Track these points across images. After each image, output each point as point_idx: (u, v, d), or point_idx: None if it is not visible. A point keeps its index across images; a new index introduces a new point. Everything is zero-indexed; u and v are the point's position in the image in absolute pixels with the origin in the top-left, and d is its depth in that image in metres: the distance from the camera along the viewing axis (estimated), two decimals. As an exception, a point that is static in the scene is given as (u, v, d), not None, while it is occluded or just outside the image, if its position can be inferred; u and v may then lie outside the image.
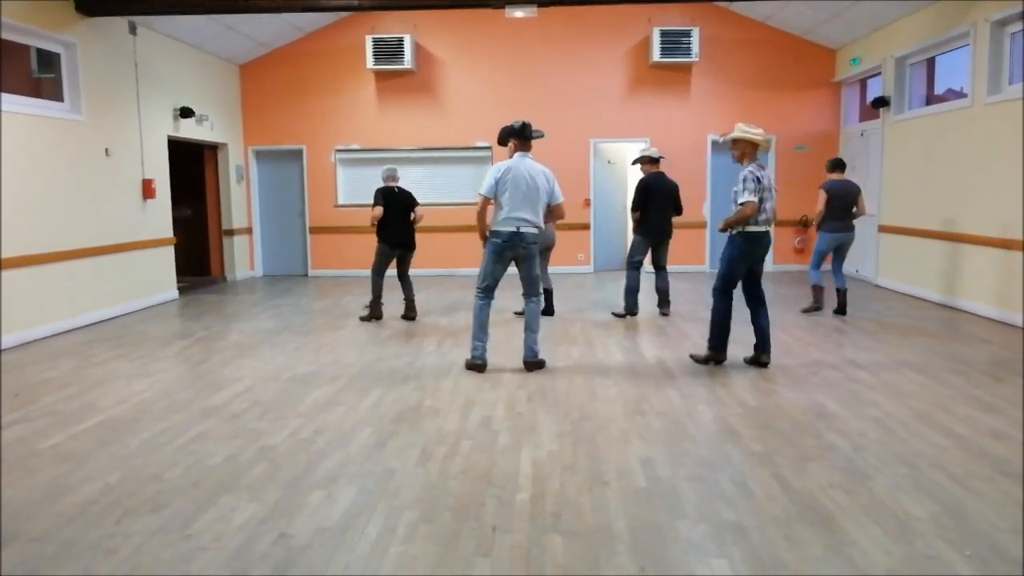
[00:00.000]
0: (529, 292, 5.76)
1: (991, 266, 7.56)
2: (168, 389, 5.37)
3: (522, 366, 5.80)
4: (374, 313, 7.89)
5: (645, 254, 7.87)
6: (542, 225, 5.64)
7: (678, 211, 7.85)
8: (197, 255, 11.84)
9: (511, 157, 5.66)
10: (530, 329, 5.72)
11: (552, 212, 5.73)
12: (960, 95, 8.67)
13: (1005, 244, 7.28)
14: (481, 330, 5.67)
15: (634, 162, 8.14)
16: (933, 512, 3.18)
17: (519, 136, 5.66)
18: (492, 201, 5.56)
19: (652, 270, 8.09)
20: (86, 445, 4.19)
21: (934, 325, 7.33)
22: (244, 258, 12.13)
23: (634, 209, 7.81)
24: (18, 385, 5.55)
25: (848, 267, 11.20)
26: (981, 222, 7.73)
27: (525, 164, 5.57)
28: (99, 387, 5.44)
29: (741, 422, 4.44)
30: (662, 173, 7.79)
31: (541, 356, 5.78)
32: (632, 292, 7.83)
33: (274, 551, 2.93)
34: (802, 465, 3.74)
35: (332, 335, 7.24)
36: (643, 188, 7.75)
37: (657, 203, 7.69)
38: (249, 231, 12.26)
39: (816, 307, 7.85)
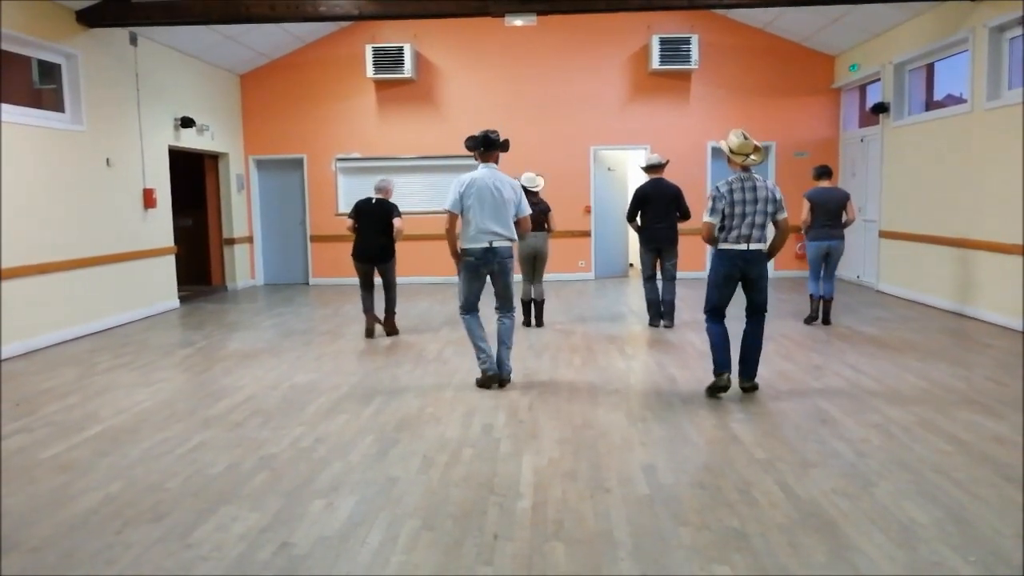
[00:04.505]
0: (504, 308, 5.54)
1: (992, 270, 7.55)
2: (169, 398, 5.36)
3: (522, 375, 5.79)
4: (366, 326, 7.55)
5: (653, 265, 7.71)
6: (515, 237, 5.40)
7: (684, 215, 7.56)
8: (198, 264, 11.85)
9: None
10: (504, 344, 5.51)
11: (518, 225, 5.42)
12: (959, 101, 8.69)
13: (1006, 249, 7.27)
14: (481, 341, 5.43)
15: (645, 169, 7.85)
16: (937, 518, 3.17)
17: (484, 146, 5.38)
18: (459, 217, 5.31)
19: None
20: (87, 455, 4.18)
21: (936, 330, 7.32)
22: (245, 267, 12.14)
23: (629, 219, 7.74)
24: (19, 395, 5.54)
25: (850, 273, 11.25)
26: (982, 227, 7.73)
27: (491, 175, 5.30)
28: (100, 396, 5.43)
29: (743, 428, 4.42)
30: (660, 179, 7.60)
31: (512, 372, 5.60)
32: (651, 304, 7.73)
33: (275, 560, 2.92)
34: (805, 471, 3.72)
35: (333, 344, 7.23)
36: (636, 196, 7.64)
37: (653, 210, 7.53)
38: (250, 240, 12.28)
39: (812, 317, 7.68)
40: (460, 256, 5.36)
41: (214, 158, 11.57)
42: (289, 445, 4.28)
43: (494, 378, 5.40)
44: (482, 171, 5.32)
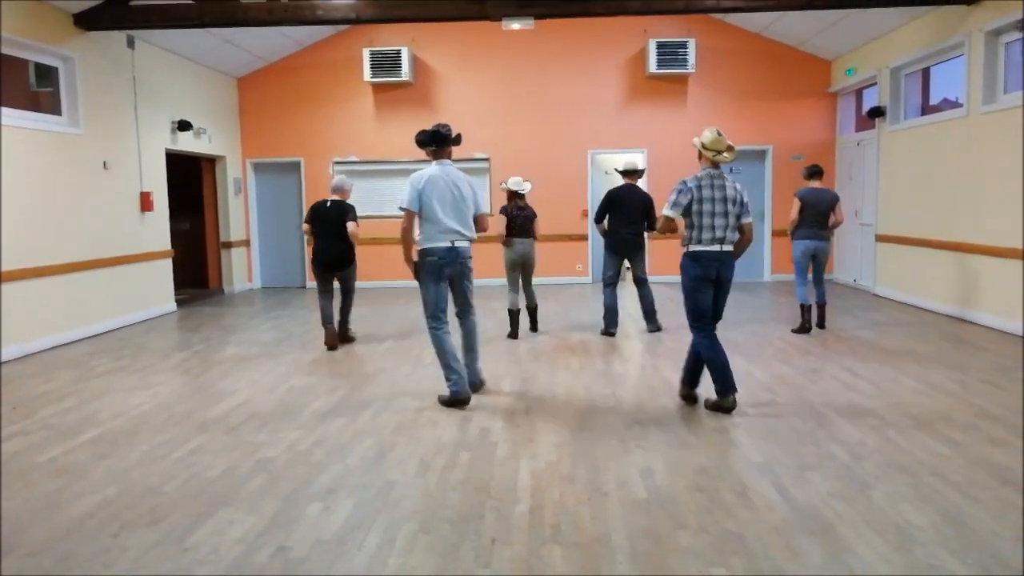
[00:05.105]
0: (464, 312, 5.32)
1: (989, 274, 7.57)
2: (166, 402, 5.35)
3: (520, 379, 5.79)
4: (325, 340, 7.10)
5: (616, 269, 7.56)
6: (474, 236, 5.17)
7: (651, 225, 7.33)
8: (195, 267, 11.85)
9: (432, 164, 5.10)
10: (473, 351, 5.35)
11: (476, 223, 5.21)
12: (955, 105, 8.71)
13: (1002, 252, 7.29)
14: (453, 359, 5.06)
15: (621, 173, 7.69)
16: (933, 520, 3.17)
17: (436, 142, 5.08)
18: (417, 215, 5.01)
19: (635, 286, 7.73)
20: (84, 458, 4.17)
21: (933, 333, 7.33)
22: (242, 270, 12.13)
23: (596, 220, 7.55)
24: (16, 398, 5.53)
25: (846, 276, 11.28)
26: (978, 231, 7.75)
27: (446, 172, 5.05)
28: (97, 400, 5.42)
29: (740, 431, 4.43)
30: (634, 185, 7.47)
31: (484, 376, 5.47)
32: (608, 311, 7.51)
33: (272, 564, 2.92)
34: (802, 474, 3.73)
35: (352, 344, 7.20)
36: (605, 199, 7.48)
37: (621, 216, 7.36)
38: (247, 243, 12.27)
39: (804, 328, 7.41)
40: (419, 258, 5.07)
41: (211, 161, 11.57)
42: (286, 448, 4.27)
43: (465, 400, 5.05)
44: (437, 168, 5.05)
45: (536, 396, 5.32)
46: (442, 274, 5.05)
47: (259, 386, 5.75)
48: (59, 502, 3.56)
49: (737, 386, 4.84)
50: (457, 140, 5.18)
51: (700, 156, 4.88)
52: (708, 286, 4.80)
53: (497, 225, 7.30)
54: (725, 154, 4.81)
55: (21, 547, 3.09)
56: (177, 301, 10.07)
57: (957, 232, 8.14)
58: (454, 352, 5.09)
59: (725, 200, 4.73)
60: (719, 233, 4.71)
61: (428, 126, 5.16)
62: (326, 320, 7.12)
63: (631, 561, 2.88)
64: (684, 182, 4.77)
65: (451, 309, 5.25)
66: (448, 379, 5.07)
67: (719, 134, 4.83)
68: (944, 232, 8.40)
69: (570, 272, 12.06)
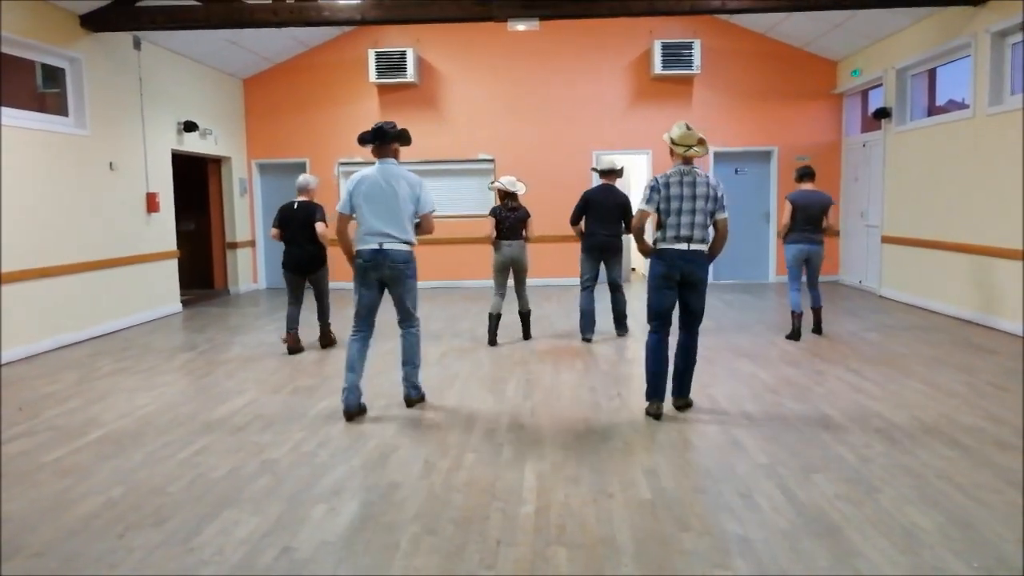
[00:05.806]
0: (404, 321, 5.04)
1: (995, 276, 7.54)
2: (171, 402, 5.36)
3: (524, 380, 5.78)
4: (288, 343, 7.04)
5: (593, 273, 7.31)
6: (413, 240, 4.89)
7: (628, 227, 7.11)
8: (201, 268, 11.86)
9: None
10: (410, 363, 5.08)
11: (420, 225, 4.96)
12: (961, 106, 8.68)
13: (1008, 254, 7.27)
14: (348, 369, 4.85)
15: (599, 172, 7.58)
16: (939, 523, 3.16)
17: (378, 139, 4.85)
18: (352, 218, 4.87)
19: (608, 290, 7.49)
20: (89, 459, 4.19)
21: (938, 335, 7.30)
22: (247, 271, 12.16)
23: (572, 222, 7.37)
24: (21, 399, 5.55)
25: (852, 278, 11.25)
26: (984, 232, 7.72)
27: (384, 170, 4.83)
28: (102, 400, 5.44)
29: (746, 433, 4.42)
30: (611, 186, 7.27)
31: (423, 390, 5.22)
32: (584, 315, 7.28)
33: (277, 565, 2.92)
34: (807, 476, 3.72)
35: (334, 348, 7.23)
36: (581, 200, 7.33)
37: (597, 217, 7.18)
38: (252, 244, 12.30)
39: (794, 335, 7.17)
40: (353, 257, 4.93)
41: (217, 162, 11.60)
42: (291, 450, 4.28)
43: (347, 415, 4.83)
44: (376, 167, 4.86)
45: (541, 397, 5.32)
46: (368, 277, 4.85)
47: (264, 387, 5.77)
48: (65, 503, 3.57)
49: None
50: (401, 137, 4.93)
51: (672, 153, 4.73)
52: (671, 285, 4.67)
53: (486, 226, 7.36)
54: (696, 148, 4.65)
55: (27, 548, 3.10)
56: (182, 301, 10.09)
57: (963, 234, 8.11)
58: (353, 363, 4.86)
59: (695, 198, 4.57)
60: (685, 232, 4.58)
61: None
62: (290, 327, 7.08)
63: (636, 563, 2.88)
64: (655, 179, 4.68)
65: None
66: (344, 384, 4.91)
67: (688, 128, 4.67)
68: (950, 233, 8.37)
69: (574, 274, 11.98)
